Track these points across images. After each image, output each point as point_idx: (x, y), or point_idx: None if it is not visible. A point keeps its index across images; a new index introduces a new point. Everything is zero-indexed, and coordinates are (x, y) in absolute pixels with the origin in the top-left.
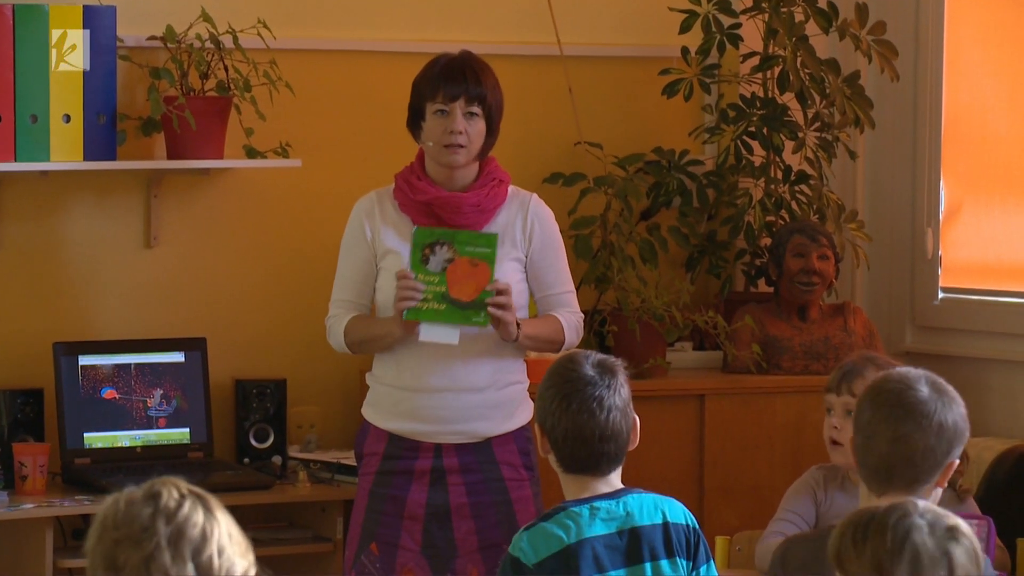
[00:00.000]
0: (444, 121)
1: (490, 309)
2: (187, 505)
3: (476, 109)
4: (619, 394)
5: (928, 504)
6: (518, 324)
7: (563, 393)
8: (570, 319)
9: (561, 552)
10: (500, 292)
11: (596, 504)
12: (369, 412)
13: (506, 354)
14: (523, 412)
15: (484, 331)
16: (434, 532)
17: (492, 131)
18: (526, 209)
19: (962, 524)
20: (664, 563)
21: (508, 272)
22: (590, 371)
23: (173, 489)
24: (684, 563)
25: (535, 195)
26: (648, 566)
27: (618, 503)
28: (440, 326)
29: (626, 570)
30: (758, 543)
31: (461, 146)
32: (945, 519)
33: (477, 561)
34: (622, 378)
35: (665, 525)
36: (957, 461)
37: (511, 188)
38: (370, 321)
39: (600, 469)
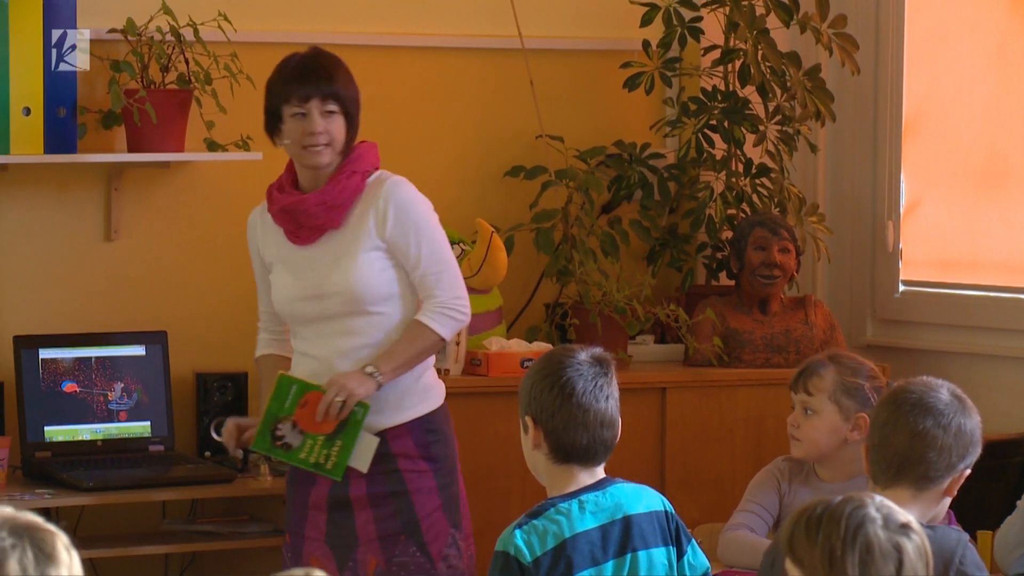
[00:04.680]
0: (303, 123)
1: (346, 410)
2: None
3: (333, 107)
4: (614, 385)
5: (883, 499)
6: (372, 373)
7: (563, 381)
8: (433, 312)
9: (555, 548)
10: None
11: (583, 498)
12: None
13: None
14: (419, 404)
15: (359, 324)
16: (337, 522)
17: (352, 124)
18: (380, 194)
19: (915, 522)
20: (657, 551)
21: (367, 262)
22: (587, 360)
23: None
24: (672, 551)
25: (394, 178)
26: (642, 554)
27: (604, 494)
28: (354, 456)
29: (615, 560)
30: (720, 535)
31: (324, 145)
32: (898, 515)
33: (376, 550)
34: (614, 371)
35: (653, 514)
36: (968, 471)
37: (375, 175)
38: (263, 383)
39: (596, 458)
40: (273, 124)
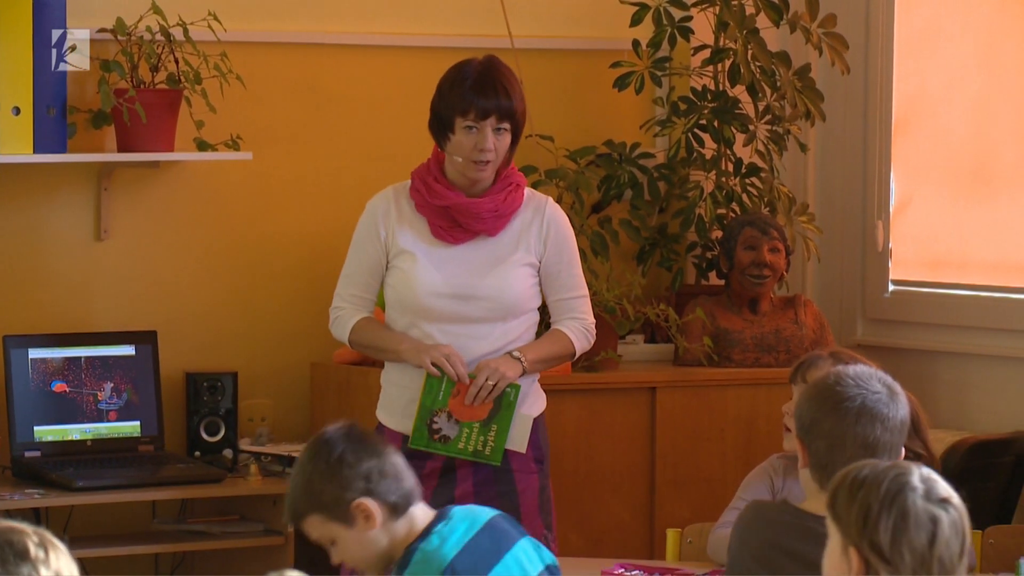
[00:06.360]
0: (474, 138)
1: (496, 391)
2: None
3: (505, 125)
4: None
5: (930, 472)
6: (519, 358)
7: (363, 443)
8: (575, 328)
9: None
10: (480, 386)
11: (436, 529)
12: (383, 415)
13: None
14: (534, 404)
15: (492, 330)
16: None
17: (516, 141)
18: (542, 214)
19: (955, 497)
20: (522, 540)
21: (521, 277)
22: (345, 427)
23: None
24: (528, 537)
25: (550, 199)
26: (516, 547)
27: (448, 519)
28: (510, 438)
29: (501, 563)
30: (711, 532)
31: (489, 162)
32: (941, 489)
33: None
34: None
35: (498, 514)
36: (903, 450)
37: (527, 192)
38: (381, 331)
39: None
40: (442, 129)
